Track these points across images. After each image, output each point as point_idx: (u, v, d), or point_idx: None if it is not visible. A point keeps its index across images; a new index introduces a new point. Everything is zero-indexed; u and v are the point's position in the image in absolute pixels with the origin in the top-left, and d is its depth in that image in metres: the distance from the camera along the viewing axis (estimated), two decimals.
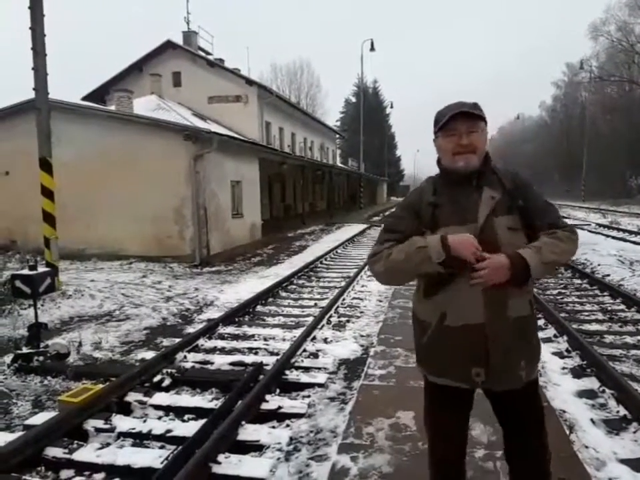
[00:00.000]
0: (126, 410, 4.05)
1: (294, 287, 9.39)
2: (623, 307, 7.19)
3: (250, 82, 23.34)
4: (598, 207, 34.26)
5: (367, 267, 10.69)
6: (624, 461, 3.14)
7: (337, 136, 46.03)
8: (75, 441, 3.49)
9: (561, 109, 68.63)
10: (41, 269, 5.76)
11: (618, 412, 3.84)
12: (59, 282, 8.52)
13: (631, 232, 17.37)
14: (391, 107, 58.40)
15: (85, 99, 21.57)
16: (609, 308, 7.19)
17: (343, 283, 9.15)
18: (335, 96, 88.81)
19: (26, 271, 5.46)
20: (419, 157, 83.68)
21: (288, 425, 3.81)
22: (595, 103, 53.51)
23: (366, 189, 39.39)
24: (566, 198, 49.78)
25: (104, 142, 12.50)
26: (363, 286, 9.09)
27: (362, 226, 22.90)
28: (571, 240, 1.87)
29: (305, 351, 5.43)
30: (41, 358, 5.21)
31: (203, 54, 24.19)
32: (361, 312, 7.22)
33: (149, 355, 5.46)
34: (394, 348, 4.70)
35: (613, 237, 15.72)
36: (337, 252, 14.18)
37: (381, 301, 7.68)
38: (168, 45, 22.94)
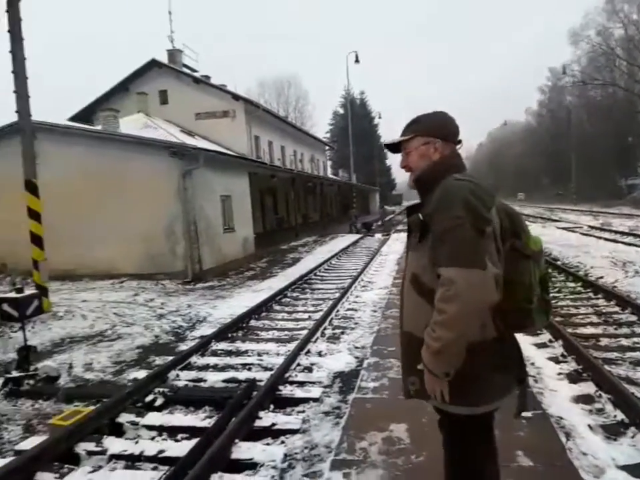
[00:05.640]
0: (118, 431, 3.99)
1: (288, 299, 9.35)
2: (617, 309, 7.21)
3: (236, 97, 23.47)
4: (589, 209, 34.55)
5: (361, 277, 10.84)
6: (623, 467, 3.11)
7: (327, 147, 46.30)
8: (66, 465, 3.43)
9: (547, 114, 69.51)
10: (28, 291, 5.70)
11: (615, 416, 3.82)
12: (49, 303, 8.44)
13: (622, 233, 17.51)
14: (379, 117, 59.03)
15: (71, 119, 21.51)
16: (604, 310, 7.20)
17: (337, 294, 9.13)
18: (324, 108, 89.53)
19: (13, 294, 5.40)
20: None
21: (282, 442, 3.76)
22: (579, 106, 54.32)
23: (358, 199, 39.51)
24: (557, 201, 50.26)
25: (91, 162, 12.47)
26: (357, 296, 9.07)
27: (355, 236, 22.95)
28: (444, 310, 1.54)
29: (299, 365, 5.39)
30: (32, 381, 5.14)
31: (188, 71, 24.30)
32: (356, 323, 7.19)
33: (141, 374, 5.39)
34: (387, 359, 4.68)
35: (605, 239, 15.82)
36: (330, 263, 14.17)
37: (375, 311, 7.66)
38: (153, 64, 23.03)
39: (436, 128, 1.86)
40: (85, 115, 22.40)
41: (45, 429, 4.13)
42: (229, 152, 18.23)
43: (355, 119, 49.26)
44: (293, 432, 3.87)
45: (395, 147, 1.97)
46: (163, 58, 23.83)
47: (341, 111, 68.58)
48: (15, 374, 5.18)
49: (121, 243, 12.35)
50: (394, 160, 79.69)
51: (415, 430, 3.25)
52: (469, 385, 1.67)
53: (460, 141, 1.91)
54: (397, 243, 18.22)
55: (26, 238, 8.46)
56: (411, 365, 1.78)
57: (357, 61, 34.94)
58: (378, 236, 23.59)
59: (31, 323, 7.33)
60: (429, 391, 1.69)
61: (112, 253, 12.42)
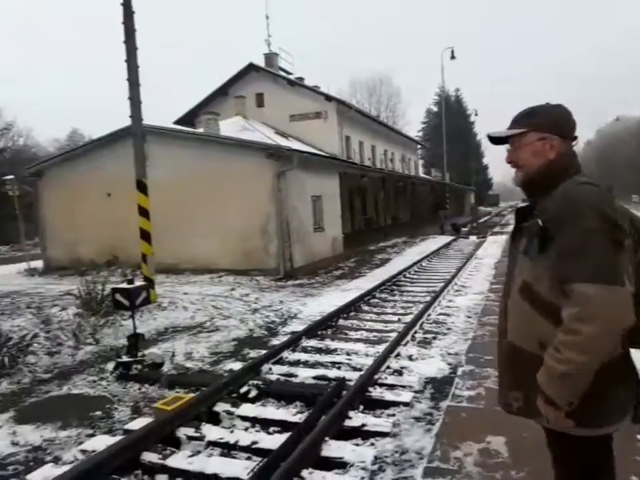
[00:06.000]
0: (215, 419, 4.19)
1: (376, 300, 9.28)
2: None
3: (329, 98, 23.72)
4: None
5: (454, 281, 10.48)
6: None
7: (419, 146, 45.32)
8: (168, 448, 3.66)
9: None
10: (138, 282, 6.17)
11: None
12: (155, 295, 9.08)
13: None
14: (476, 114, 56.62)
15: (176, 123, 23.07)
16: None
17: (428, 298, 8.90)
18: (417, 106, 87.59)
19: (124, 285, 5.87)
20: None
21: (372, 444, 3.73)
22: None
23: (452, 199, 38.30)
24: None
25: (194, 163, 13.28)
26: (449, 301, 8.77)
27: (448, 238, 22.24)
28: (578, 331, 1.38)
29: (388, 367, 5.32)
30: (139, 366, 5.56)
31: (283, 74, 25.00)
32: (448, 329, 6.95)
33: (237, 366, 5.63)
34: (484, 368, 4.46)
35: None
36: (421, 265, 13.86)
37: (469, 317, 7.36)
38: (251, 68, 23.96)
39: (554, 123, 1.68)
40: (188, 118, 23.84)
41: (149, 412, 4.44)
42: (320, 153, 18.49)
43: (450, 116, 47.80)
44: (383, 435, 3.82)
45: (499, 139, 1.83)
46: (260, 62, 24.74)
47: (435, 109, 66.94)
48: (125, 359, 5.63)
49: (220, 240, 13.01)
50: (491, 158, 76.33)
51: (515, 444, 3.06)
52: (593, 406, 1.51)
53: (576, 137, 1.73)
54: (494, 246, 17.41)
55: (135, 234, 9.18)
56: (514, 379, 1.67)
57: (452, 57, 33.88)
58: (473, 238, 22.67)
59: (139, 312, 7.93)
60: (544, 414, 1.54)
61: (211, 249, 13.13)
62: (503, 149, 1.87)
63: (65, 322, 7.69)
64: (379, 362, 5.23)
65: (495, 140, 1.84)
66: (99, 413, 4.54)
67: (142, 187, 8.92)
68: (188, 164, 13.28)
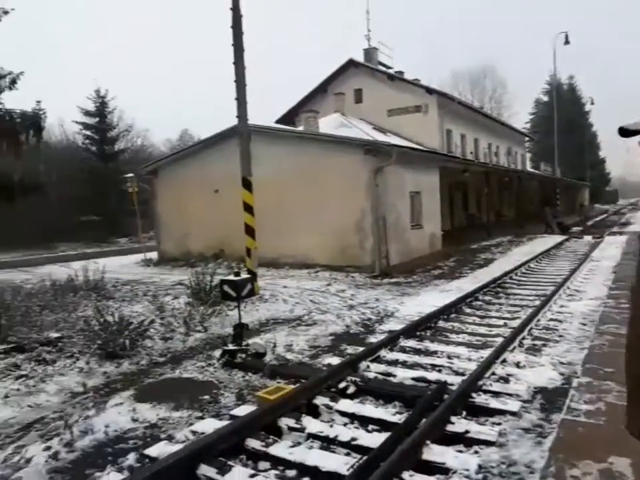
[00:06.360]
0: (314, 412, 4.26)
1: (479, 303, 8.87)
2: None
3: (430, 91, 23.12)
4: None
5: (566, 285, 9.67)
6: None
7: (526, 139, 42.64)
8: (271, 436, 3.78)
9: None
10: (244, 275, 6.45)
11: None
12: (258, 287, 9.47)
13: None
14: (592, 104, 51.89)
15: (277, 122, 23.89)
16: None
17: (537, 302, 8.32)
18: (524, 96, 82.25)
19: (232, 277, 6.18)
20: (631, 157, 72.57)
21: (476, 452, 3.56)
22: None
23: (563, 195, 35.55)
24: None
25: (293, 160, 13.63)
26: (561, 306, 8.13)
27: (559, 238, 20.66)
28: None
29: (493, 374, 5.05)
30: (243, 355, 5.82)
31: (383, 68, 24.79)
32: (560, 336, 6.44)
33: (334, 360, 5.68)
34: (604, 381, 4.06)
35: None
36: (529, 266, 13.01)
37: (584, 325, 6.77)
38: (350, 64, 24.08)
39: None
40: (289, 117, 24.58)
41: (253, 400, 4.62)
42: (419, 147, 18.08)
43: (561, 106, 44.29)
44: (488, 443, 3.63)
45: (632, 132, 1.62)
46: (359, 57, 24.75)
47: (545, 99, 62.49)
48: (230, 347, 5.93)
49: (317, 236, 13.24)
50: (608, 151, 69.73)
51: None
52: None
53: None
54: (612, 247, 15.91)
55: (239, 229, 9.62)
56: None
57: (566, 42, 31.32)
58: (587, 238, 20.86)
59: (243, 303, 8.31)
60: None
61: (309, 244, 13.41)
62: (623, 142, 1.63)
63: (176, 310, 8.29)
64: (483, 367, 4.99)
65: (628, 132, 1.63)
66: (207, 397, 4.82)
67: (247, 184, 9.31)
68: (288, 161, 13.66)
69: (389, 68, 25.47)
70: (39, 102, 14.03)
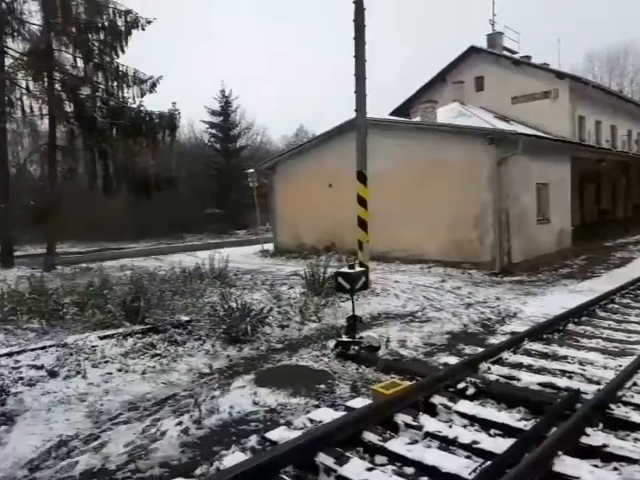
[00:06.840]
0: (431, 411, 4.12)
1: (616, 306, 7.99)
2: None
3: (561, 75, 21.20)
4: None
5: None
6: None
7: None
8: (388, 431, 3.73)
9: None
10: (358, 268, 6.46)
11: None
12: (369, 281, 9.45)
13: None
14: None
15: (392, 114, 23.55)
16: None
17: None
18: None
19: (346, 269, 6.21)
20: None
21: (616, 468, 3.21)
22: None
23: None
24: None
25: (408, 152, 13.36)
26: None
27: None
28: None
29: (635, 384, 4.51)
30: (357, 347, 5.83)
31: (507, 54, 23.27)
32: None
33: (452, 360, 5.47)
34: None
35: None
36: None
37: None
38: (471, 51, 22.92)
39: None
40: (403, 108, 24.13)
41: (367, 393, 4.61)
42: (548, 136, 16.72)
43: None
44: (630, 461, 3.24)
45: None
46: (482, 43, 23.49)
47: None
48: (344, 338, 5.98)
49: (431, 230, 12.87)
50: None
51: None
52: None
53: None
54: None
55: (351, 222, 9.65)
56: None
57: None
58: None
59: (356, 295, 8.35)
60: None
61: (421, 239, 13.08)
62: None
63: (292, 299, 8.57)
64: (623, 377, 4.48)
65: None
66: (322, 386, 4.91)
67: (362, 178, 9.30)
68: (401, 154, 13.43)
69: (515, 53, 23.86)
70: (174, 103, 15.37)
